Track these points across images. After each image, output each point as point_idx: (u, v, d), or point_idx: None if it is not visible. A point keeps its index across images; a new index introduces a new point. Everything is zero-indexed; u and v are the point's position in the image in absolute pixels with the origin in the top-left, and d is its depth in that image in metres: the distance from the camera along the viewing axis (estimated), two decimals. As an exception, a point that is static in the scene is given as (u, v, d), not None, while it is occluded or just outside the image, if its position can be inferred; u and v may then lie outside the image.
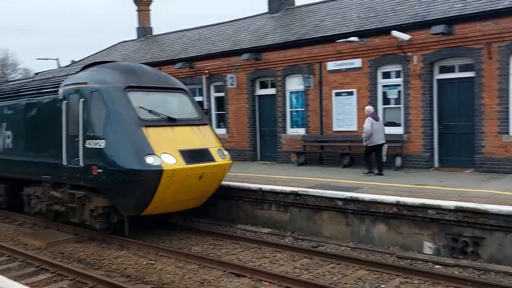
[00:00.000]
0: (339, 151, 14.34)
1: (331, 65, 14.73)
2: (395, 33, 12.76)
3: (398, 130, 13.55)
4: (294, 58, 15.49)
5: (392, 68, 13.71)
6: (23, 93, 11.77)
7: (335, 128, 14.74)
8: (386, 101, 13.91)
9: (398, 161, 13.12)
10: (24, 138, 11.58)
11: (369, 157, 12.34)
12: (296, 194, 10.45)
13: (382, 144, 12.24)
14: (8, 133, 12.04)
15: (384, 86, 13.92)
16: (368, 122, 12.01)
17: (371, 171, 12.27)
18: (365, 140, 12.16)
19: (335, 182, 11.20)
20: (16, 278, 7.90)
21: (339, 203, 9.79)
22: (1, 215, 13.26)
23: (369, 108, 12.46)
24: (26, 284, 7.55)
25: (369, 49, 13.79)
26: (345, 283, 7.47)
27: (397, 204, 9.00)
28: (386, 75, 13.89)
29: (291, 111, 16.14)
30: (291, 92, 16.04)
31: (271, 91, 16.58)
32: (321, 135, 15.07)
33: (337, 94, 14.69)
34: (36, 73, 12.88)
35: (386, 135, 13.11)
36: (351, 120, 14.35)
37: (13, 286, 5.25)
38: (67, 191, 10.46)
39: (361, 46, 13.82)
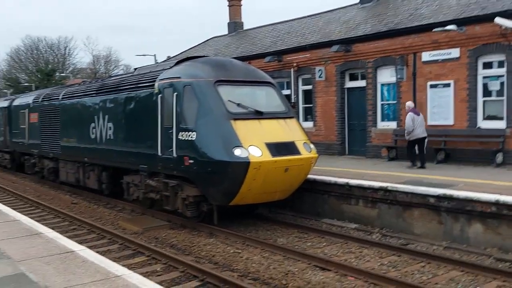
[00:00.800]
0: (433, 146, 13.64)
1: (426, 56, 14.04)
2: (499, 20, 11.84)
3: (500, 125, 12.59)
4: (386, 49, 14.98)
5: (495, 58, 12.75)
6: (123, 87, 12.57)
7: (430, 122, 14.03)
8: (486, 93, 12.99)
9: (499, 157, 12.23)
10: (124, 129, 12.38)
11: (413, 151, 12.75)
12: (385, 189, 10.13)
13: (424, 138, 12.71)
14: (110, 124, 12.94)
15: (485, 77, 13.00)
16: (409, 118, 12.55)
17: (414, 164, 12.54)
18: (407, 135, 12.64)
19: (428, 178, 10.68)
20: (115, 259, 8.52)
21: (432, 200, 9.33)
22: (103, 201, 14.34)
23: (409, 104, 13.05)
24: (124, 266, 8.14)
25: (469, 38, 12.93)
26: (436, 283, 7.14)
27: (497, 203, 8.38)
28: (487, 65, 12.95)
29: (382, 104, 15.64)
30: (382, 84, 15.54)
31: (361, 83, 16.18)
32: (414, 129, 14.42)
33: (432, 86, 13.98)
34: (135, 69, 13.68)
35: (486, 130, 12.26)
36: (447, 113, 13.59)
37: (112, 266, 5.64)
38: (161, 180, 11.04)
39: (459, 35, 13.01)
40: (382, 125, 15.56)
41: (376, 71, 15.52)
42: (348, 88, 16.65)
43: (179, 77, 10.47)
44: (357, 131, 16.44)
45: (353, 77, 16.61)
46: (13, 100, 22.84)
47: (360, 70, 16.18)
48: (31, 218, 11.95)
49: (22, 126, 20.00)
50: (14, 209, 13.23)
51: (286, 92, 18.04)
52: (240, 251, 8.96)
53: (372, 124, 15.69)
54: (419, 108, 14.28)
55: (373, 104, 15.67)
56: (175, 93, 10.30)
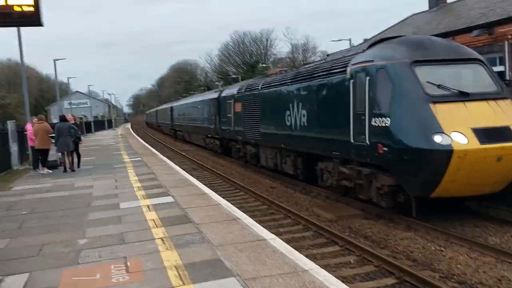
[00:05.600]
0: None
1: None
2: None
3: None
4: None
5: None
6: (316, 75, 12.55)
7: None
8: None
9: None
10: (316, 116, 12.37)
11: None
12: None
13: None
14: (303, 111, 13.11)
15: None
16: None
17: None
18: None
19: None
20: (309, 247, 8.57)
21: None
22: (299, 186, 14.67)
23: None
24: (317, 254, 8.12)
25: None
26: None
27: None
28: None
29: None
30: None
31: None
32: None
33: None
34: (327, 55, 13.53)
35: None
36: None
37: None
38: (354, 168, 10.71)
39: None
40: None
41: None
42: None
43: (371, 61, 9.94)
44: None
45: None
46: (221, 91, 25.16)
47: None
48: (236, 200, 13.04)
49: (228, 115, 21.87)
50: (222, 191, 14.61)
51: (498, 69, 15.78)
52: (442, 249, 8.10)
53: None
54: None
55: None
56: (368, 77, 9.81)
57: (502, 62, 16.14)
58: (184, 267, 5.46)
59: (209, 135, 27.53)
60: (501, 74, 14.99)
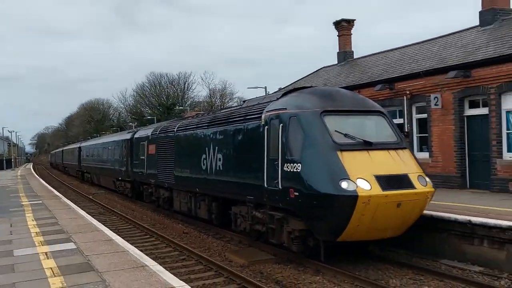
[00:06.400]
0: None
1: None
2: None
3: None
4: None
5: None
6: (232, 120, 12.79)
7: None
8: None
9: None
10: (232, 161, 12.51)
11: None
12: (515, 229, 8.92)
13: None
14: (219, 156, 13.20)
15: None
16: None
17: None
18: None
19: None
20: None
21: None
22: (213, 231, 14.54)
23: None
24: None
25: None
26: None
27: None
28: None
29: (507, 133, 14.11)
30: (508, 112, 14.05)
31: (482, 111, 14.82)
32: (549, 160, 12.75)
33: None
34: (243, 101, 13.89)
35: None
36: None
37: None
38: (267, 212, 10.88)
39: None
40: (509, 156, 13.98)
41: (500, 98, 14.11)
42: (468, 116, 15.33)
43: (285, 109, 10.37)
44: (479, 162, 14.98)
45: (473, 104, 15.29)
46: (135, 132, 24.62)
47: (481, 97, 14.85)
48: (145, 246, 12.58)
49: (141, 157, 21.36)
50: (130, 236, 14.05)
51: (398, 121, 17.14)
52: (348, 291, 8.38)
53: (497, 155, 14.18)
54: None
55: (497, 133, 14.20)
56: (281, 124, 10.19)
57: (401, 115, 17.57)
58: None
59: (120, 178, 26.59)
60: (400, 126, 16.26)
